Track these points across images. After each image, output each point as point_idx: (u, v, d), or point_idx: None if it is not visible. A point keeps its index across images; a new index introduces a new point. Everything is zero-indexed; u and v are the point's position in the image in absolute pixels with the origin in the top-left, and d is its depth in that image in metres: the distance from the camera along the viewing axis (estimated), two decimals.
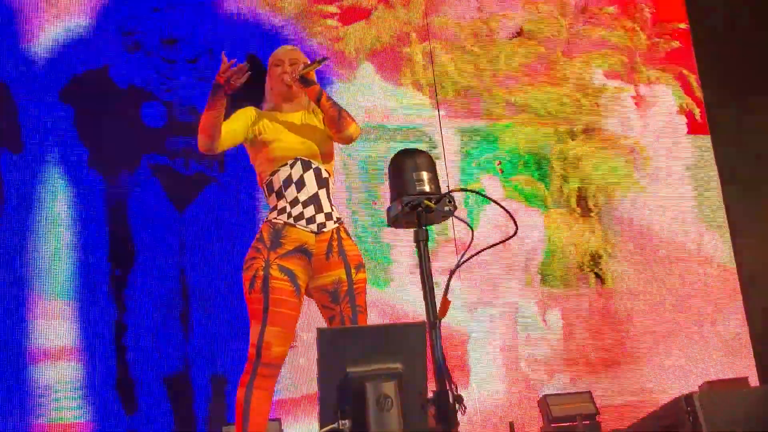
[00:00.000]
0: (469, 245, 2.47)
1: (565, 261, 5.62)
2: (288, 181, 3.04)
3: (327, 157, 3.13)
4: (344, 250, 3.03)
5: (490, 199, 2.68)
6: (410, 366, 2.34)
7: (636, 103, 6.13)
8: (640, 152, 6.04)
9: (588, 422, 4.73)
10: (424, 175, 2.50)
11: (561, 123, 5.90)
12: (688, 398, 3.13)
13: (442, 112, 5.59)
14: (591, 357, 5.47)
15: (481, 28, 5.86)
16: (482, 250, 2.51)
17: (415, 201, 2.47)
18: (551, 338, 5.42)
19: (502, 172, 5.65)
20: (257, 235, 3.04)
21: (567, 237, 5.68)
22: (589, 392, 4.99)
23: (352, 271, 3.02)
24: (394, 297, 5.09)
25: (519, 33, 5.95)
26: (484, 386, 5.17)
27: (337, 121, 3.05)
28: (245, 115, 3.15)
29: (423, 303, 2.45)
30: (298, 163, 3.05)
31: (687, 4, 6.45)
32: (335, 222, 3.06)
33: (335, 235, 3.03)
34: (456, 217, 2.52)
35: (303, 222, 3.00)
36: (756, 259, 5.94)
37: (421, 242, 2.49)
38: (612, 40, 6.21)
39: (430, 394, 2.38)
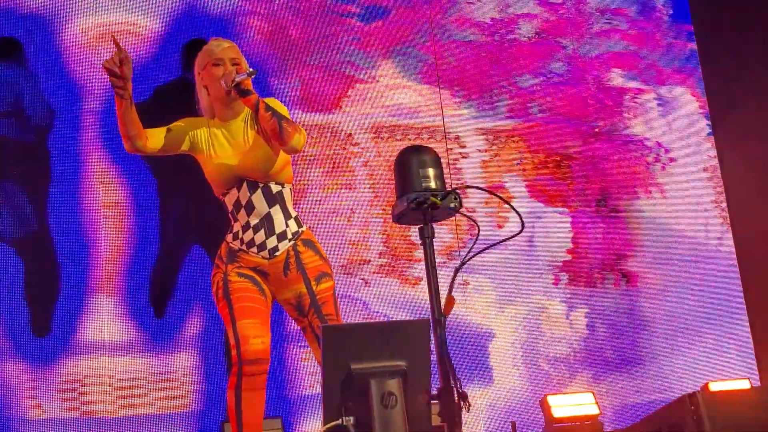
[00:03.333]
0: (475, 242, 2.46)
1: (589, 260, 5.62)
2: (238, 205, 2.94)
3: (274, 170, 2.94)
4: (302, 264, 2.94)
5: (497, 195, 2.68)
6: (415, 363, 2.33)
7: (658, 104, 6.14)
8: (661, 153, 6.04)
9: (589, 422, 4.71)
10: (430, 171, 2.48)
11: (584, 123, 5.89)
12: (692, 397, 3.12)
13: (465, 112, 5.57)
14: (613, 356, 5.46)
15: (501, 27, 5.84)
16: (488, 248, 2.50)
17: (421, 198, 2.45)
18: (575, 338, 5.41)
19: (525, 171, 5.64)
20: (218, 253, 3.01)
21: (591, 236, 5.67)
22: (591, 393, 4.97)
23: (312, 283, 2.93)
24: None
25: (538, 33, 5.94)
26: (504, 384, 5.16)
27: (278, 134, 2.80)
28: (181, 123, 3.00)
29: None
30: (245, 185, 2.92)
31: (697, 6, 6.45)
32: (290, 240, 2.94)
33: (291, 252, 2.94)
34: (462, 214, 2.51)
35: (254, 249, 2.93)
36: (759, 257, 5.93)
37: (427, 239, 2.48)
38: (632, 41, 6.20)
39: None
